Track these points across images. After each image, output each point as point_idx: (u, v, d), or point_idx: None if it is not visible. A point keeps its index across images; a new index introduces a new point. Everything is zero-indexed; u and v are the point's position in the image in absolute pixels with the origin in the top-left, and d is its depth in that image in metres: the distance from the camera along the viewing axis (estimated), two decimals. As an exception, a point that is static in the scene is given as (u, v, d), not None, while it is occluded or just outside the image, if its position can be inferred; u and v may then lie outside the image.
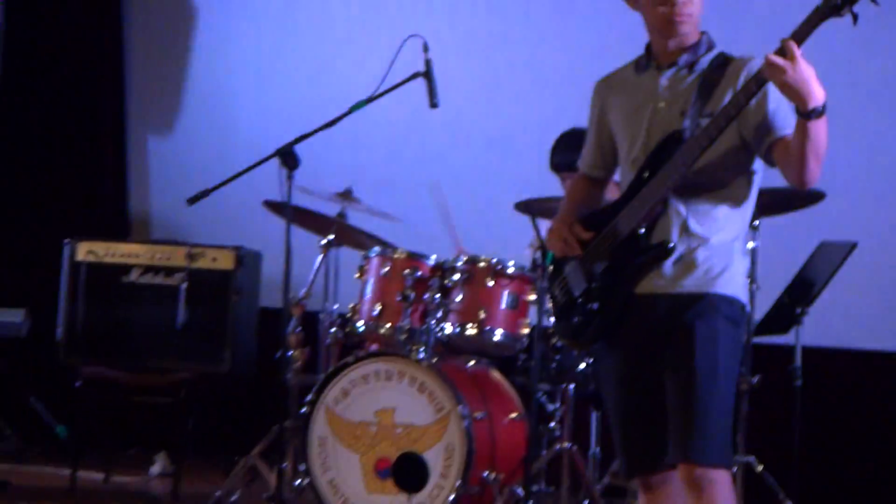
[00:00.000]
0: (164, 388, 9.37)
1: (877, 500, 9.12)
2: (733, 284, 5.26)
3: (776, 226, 8.01)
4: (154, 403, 9.62)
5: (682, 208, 5.21)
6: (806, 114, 4.84)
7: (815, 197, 7.87)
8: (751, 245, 7.94)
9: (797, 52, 4.81)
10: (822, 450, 8.68)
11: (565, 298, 5.55)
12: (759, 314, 8.09)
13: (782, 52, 4.82)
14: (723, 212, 5.27)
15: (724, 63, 5.30)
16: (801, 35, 4.93)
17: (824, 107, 4.88)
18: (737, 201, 5.27)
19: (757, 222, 7.92)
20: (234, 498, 8.44)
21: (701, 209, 5.24)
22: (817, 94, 4.85)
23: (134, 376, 9.39)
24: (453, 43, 8.63)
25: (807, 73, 4.83)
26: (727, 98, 5.16)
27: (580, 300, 5.44)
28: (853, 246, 8.11)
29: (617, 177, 5.67)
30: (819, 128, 4.91)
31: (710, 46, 5.40)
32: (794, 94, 4.83)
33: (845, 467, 9.05)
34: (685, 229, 5.22)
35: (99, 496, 9.10)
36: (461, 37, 9.10)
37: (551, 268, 5.70)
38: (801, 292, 8.20)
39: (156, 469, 9.80)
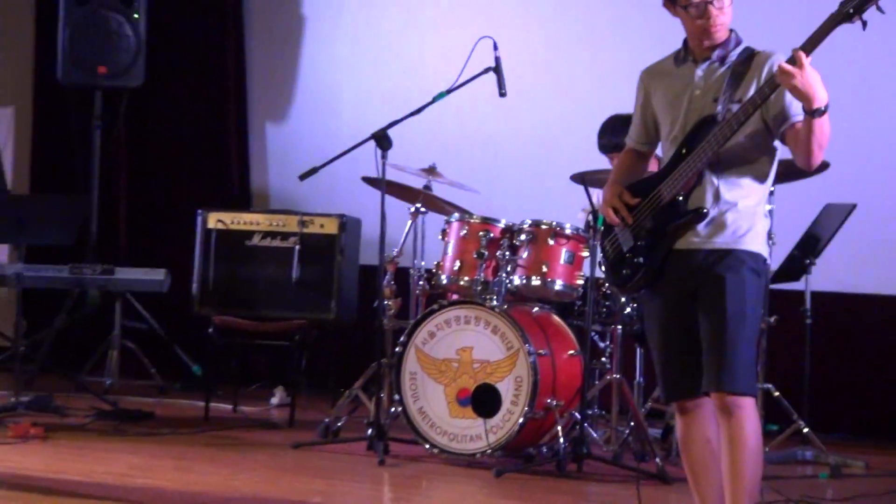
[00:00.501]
0: (281, 333, 9.42)
1: (875, 418, 9.07)
2: (757, 242, 5.30)
3: (789, 190, 7.92)
4: (273, 346, 9.65)
5: (714, 179, 5.24)
6: (811, 112, 4.94)
7: (822, 166, 7.96)
8: (769, 208, 8.08)
9: (806, 61, 4.88)
10: (828, 378, 8.60)
11: (616, 253, 5.56)
12: (774, 265, 7.96)
13: (793, 60, 4.89)
14: (748, 182, 5.29)
15: (750, 56, 5.32)
16: (814, 42, 4.99)
17: (827, 106, 4.95)
18: (760, 173, 5.30)
19: (773, 188, 8.04)
20: (339, 423, 8.52)
21: (730, 179, 5.26)
22: (821, 97, 4.92)
23: (256, 324, 9.45)
24: (517, 41, 8.56)
25: (813, 79, 4.91)
26: (753, 87, 5.19)
27: (629, 255, 5.46)
28: (853, 207, 8.17)
29: (659, 151, 5.69)
30: (822, 123, 4.99)
31: (738, 42, 5.40)
32: (802, 96, 4.91)
33: (849, 392, 8.98)
34: (717, 196, 5.24)
35: (228, 424, 9.12)
36: (523, 36, 8.93)
37: (602, 227, 5.74)
38: (809, 246, 8.23)
39: (275, 400, 9.92)
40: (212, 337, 9.50)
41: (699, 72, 5.38)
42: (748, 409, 5.24)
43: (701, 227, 5.28)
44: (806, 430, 8.12)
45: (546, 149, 9.21)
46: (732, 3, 5.31)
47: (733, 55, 5.36)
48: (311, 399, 9.67)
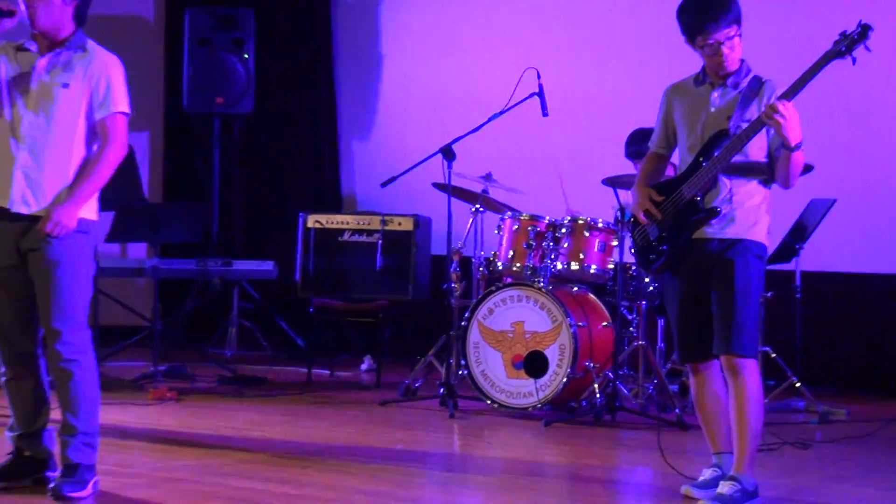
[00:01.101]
0: (368, 311, 9.51)
1: (855, 374, 9.10)
2: (760, 233, 5.39)
3: (778, 193, 7.93)
4: (361, 322, 9.74)
5: (728, 182, 5.31)
6: (790, 148, 5.09)
7: (806, 169, 8.04)
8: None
9: (788, 107, 5.03)
10: (815, 341, 8.64)
11: (644, 242, 5.63)
12: (770, 250, 8.07)
13: (775, 108, 5.03)
14: (754, 185, 5.37)
15: (757, 84, 5.35)
16: (804, 80, 5.13)
17: (800, 143, 5.09)
18: (763, 178, 5.38)
19: (770, 187, 8.05)
20: (417, 384, 8.57)
21: (740, 182, 5.33)
22: (798, 136, 5.08)
23: (347, 304, 9.54)
24: (556, 70, 8.46)
25: (793, 123, 5.05)
26: (759, 108, 5.23)
27: (655, 243, 5.53)
28: (833, 202, 8.18)
29: (674, 158, 5.72)
30: (798, 156, 5.18)
31: (748, 71, 5.42)
32: (784, 137, 5.05)
33: (833, 353, 9.03)
34: (730, 196, 5.32)
35: (326, 386, 9.24)
36: (561, 66, 8.81)
37: (632, 220, 5.71)
38: (798, 234, 8.24)
39: (364, 366, 9.98)
40: (312, 315, 9.59)
41: (714, 94, 5.42)
42: (751, 369, 5.35)
43: (715, 220, 5.34)
44: (798, 384, 8.13)
45: (581, 157, 9.13)
46: (742, 36, 5.34)
47: (743, 83, 5.39)
48: (394, 365, 9.61)
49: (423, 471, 6.47)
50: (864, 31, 5.11)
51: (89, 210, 5.45)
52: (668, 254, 5.53)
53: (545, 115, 8.18)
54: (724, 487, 5.30)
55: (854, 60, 5.12)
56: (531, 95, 8.17)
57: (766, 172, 5.38)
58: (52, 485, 5.41)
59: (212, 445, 6.82)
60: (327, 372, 9.76)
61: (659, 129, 5.71)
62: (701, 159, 5.38)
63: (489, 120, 8.18)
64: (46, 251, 5.33)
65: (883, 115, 9.18)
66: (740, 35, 5.35)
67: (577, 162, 9.23)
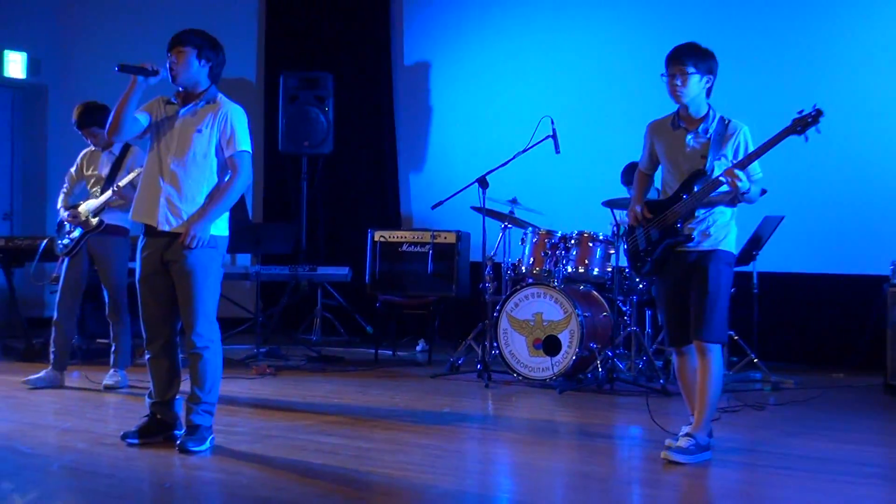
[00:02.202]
0: (422, 305, 9.50)
1: (799, 351, 9.05)
2: (729, 243, 5.39)
3: (743, 208, 7.89)
4: (416, 313, 9.71)
5: (704, 210, 5.30)
6: (740, 196, 5.19)
7: (760, 193, 8.00)
8: None
9: (741, 174, 5.07)
10: (769, 327, 8.53)
11: (634, 249, 5.60)
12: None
13: (733, 174, 5.07)
14: (724, 207, 5.34)
15: (724, 125, 5.31)
16: (759, 154, 5.17)
17: (747, 190, 5.14)
18: (730, 200, 5.32)
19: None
20: (460, 361, 8.54)
21: (714, 207, 5.31)
22: (747, 187, 5.13)
23: (405, 300, 9.53)
24: (566, 115, 8.48)
25: (743, 181, 5.09)
26: (729, 146, 5.26)
27: (642, 252, 5.53)
28: (782, 218, 8.17)
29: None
30: (748, 197, 5.23)
31: (714, 116, 5.33)
32: (736, 190, 5.13)
33: (782, 335, 8.96)
34: (706, 217, 5.31)
35: (389, 363, 9.20)
36: (570, 112, 8.85)
37: (628, 228, 5.69)
38: (755, 243, 8.19)
39: (419, 348, 9.92)
40: (378, 309, 9.59)
41: (689, 136, 5.36)
42: (716, 353, 5.34)
43: (694, 235, 5.33)
44: (755, 360, 8.12)
45: (585, 184, 9.03)
46: (706, 81, 5.29)
47: (712, 127, 5.32)
48: (442, 347, 9.55)
49: (465, 428, 6.45)
50: (817, 115, 5.10)
51: (219, 227, 5.49)
52: (652, 263, 5.51)
53: (557, 153, 8.15)
54: (682, 441, 5.33)
55: (807, 139, 5.12)
56: (546, 137, 8.13)
57: (731, 198, 5.33)
58: (178, 441, 5.45)
59: (301, 410, 6.84)
60: (390, 352, 9.71)
61: (645, 156, 5.63)
62: (682, 194, 5.36)
63: (514, 157, 8.14)
64: (185, 262, 5.37)
65: (825, 146, 9.09)
66: (697, 76, 5.26)
67: (582, 188, 9.19)
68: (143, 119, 5.43)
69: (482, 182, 8.22)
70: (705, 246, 5.36)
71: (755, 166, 5.29)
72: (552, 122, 8.13)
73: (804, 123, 5.12)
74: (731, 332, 8.03)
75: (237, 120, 5.50)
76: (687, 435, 5.35)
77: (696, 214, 5.34)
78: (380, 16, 11.43)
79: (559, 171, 8.82)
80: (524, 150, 8.14)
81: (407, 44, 11.39)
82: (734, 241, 5.46)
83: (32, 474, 5.09)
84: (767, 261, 8.41)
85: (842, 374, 8.48)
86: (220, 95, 5.54)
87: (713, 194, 5.30)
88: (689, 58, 5.29)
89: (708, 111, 5.38)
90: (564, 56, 10.33)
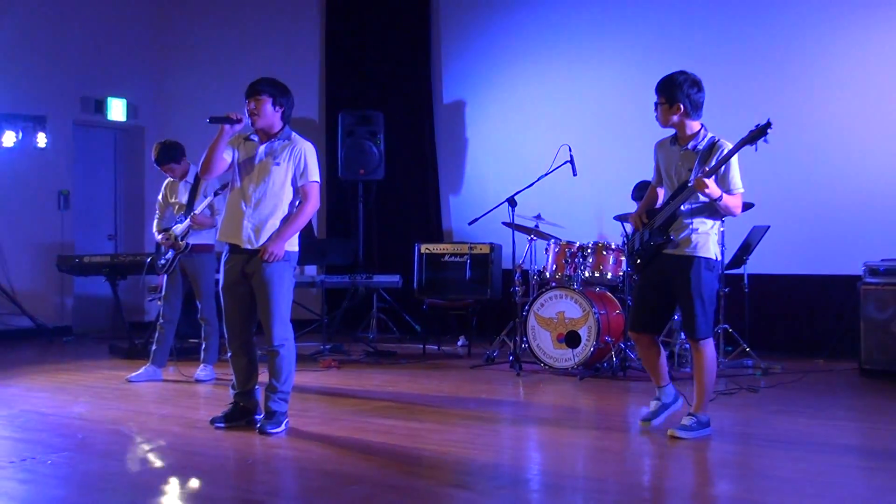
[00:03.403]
0: (461, 307, 9.50)
1: (785, 341, 8.96)
2: (710, 250, 5.28)
3: (733, 219, 7.89)
4: (457, 313, 9.73)
5: (687, 216, 5.25)
6: (715, 201, 5.12)
7: (748, 206, 7.92)
8: (721, 228, 8.02)
9: (709, 181, 5.04)
10: (759, 320, 8.47)
11: (631, 248, 5.58)
12: (727, 260, 7.95)
13: (702, 182, 5.04)
14: (705, 217, 5.27)
15: (712, 144, 5.23)
16: (721, 163, 5.11)
17: (720, 197, 5.08)
18: (712, 212, 5.26)
19: (724, 219, 8.00)
20: (495, 354, 8.54)
21: (695, 216, 5.25)
22: (717, 194, 5.08)
23: (448, 302, 9.54)
24: (582, 142, 8.45)
25: (712, 189, 5.05)
26: (713, 161, 5.14)
27: (637, 251, 5.51)
28: (767, 227, 8.13)
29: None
30: (724, 202, 5.14)
31: (706, 134, 5.27)
32: (708, 197, 5.09)
33: (770, 328, 8.87)
34: (688, 225, 5.25)
35: (435, 357, 9.15)
36: (586, 139, 8.84)
37: (631, 233, 5.65)
38: (745, 249, 8.17)
39: (460, 343, 9.76)
40: (425, 310, 9.64)
41: (681, 152, 5.32)
42: (708, 346, 5.32)
43: (678, 241, 5.27)
44: (748, 349, 8.07)
45: (599, 201, 9.04)
46: (678, 107, 5.22)
47: (701, 144, 5.26)
48: (479, 342, 9.50)
49: (500, 410, 6.46)
50: (765, 127, 5.03)
51: (292, 244, 5.56)
52: (642, 260, 5.48)
53: (574, 175, 8.17)
54: (685, 420, 5.33)
55: (756, 148, 5.05)
56: (565, 163, 8.15)
57: (714, 208, 5.27)
58: (258, 425, 5.51)
59: (361, 397, 6.87)
60: (436, 347, 9.68)
61: (655, 170, 5.56)
62: (671, 201, 5.33)
63: (538, 179, 8.15)
64: (263, 273, 5.44)
65: (807, 164, 9.10)
66: (667, 105, 5.24)
67: (597, 205, 9.19)
68: (227, 156, 5.51)
69: (511, 201, 8.33)
70: (687, 251, 5.26)
71: (736, 180, 5.22)
72: (570, 149, 8.14)
73: (754, 137, 5.06)
74: (727, 326, 8.07)
75: (309, 155, 5.56)
76: (690, 415, 5.35)
77: (685, 223, 5.26)
78: (422, 62, 11.46)
79: (577, 191, 8.80)
80: (546, 174, 8.16)
81: (445, 85, 11.40)
82: (714, 248, 5.33)
83: (136, 453, 5.16)
84: (757, 264, 8.34)
85: (822, 360, 8.40)
86: (293, 133, 5.60)
87: (696, 204, 5.25)
88: (658, 90, 5.31)
89: (699, 130, 5.30)
90: (579, 93, 10.31)
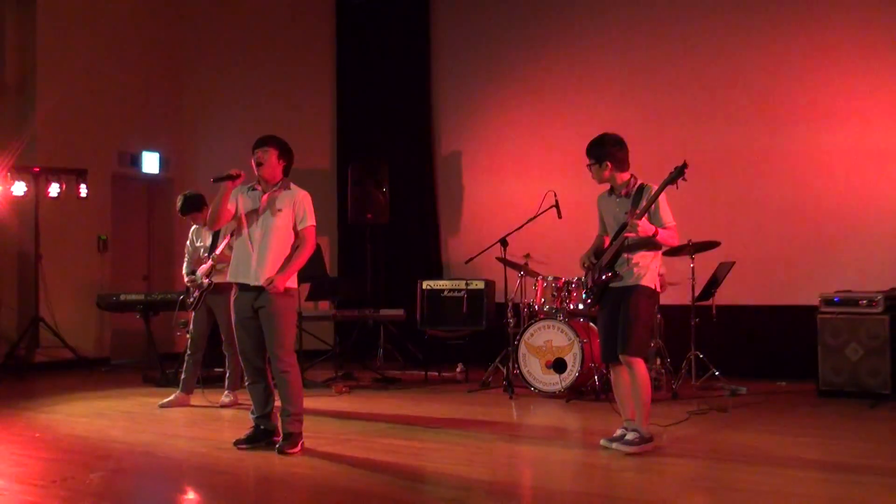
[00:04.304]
0: (459, 336, 9.41)
1: (749, 366, 8.83)
2: (649, 280, 5.34)
3: (702, 256, 7.91)
4: (456, 343, 9.50)
5: (627, 253, 5.32)
6: (652, 237, 5.18)
7: (715, 244, 7.95)
8: (661, 266, 8.04)
9: (641, 222, 5.11)
10: (726, 348, 8.41)
11: (585, 286, 5.63)
12: (697, 291, 7.96)
13: (634, 224, 5.12)
14: (643, 252, 5.33)
15: (640, 189, 5.33)
16: (648, 204, 5.17)
17: (655, 234, 5.15)
18: (652, 247, 5.34)
19: (694, 256, 8.03)
20: (490, 380, 8.53)
21: (634, 252, 5.32)
22: (650, 231, 5.15)
23: (447, 332, 9.44)
24: (565, 188, 8.43)
25: (644, 228, 5.12)
26: (644, 203, 5.23)
27: (587, 289, 5.58)
28: (733, 263, 8.12)
29: None
30: (660, 237, 5.21)
31: (635, 182, 5.37)
32: (644, 234, 5.16)
33: (737, 354, 8.74)
34: (630, 260, 5.33)
35: (435, 382, 9.11)
36: (567, 187, 8.86)
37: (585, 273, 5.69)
38: (713, 283, 8.15)
39: (458, 370, 9.55)
40: (426, 340, 9.59)
41: (616, 199, 5.43)
42: (639, 363, 5.31)
43: (622, 274, 5.33)
44: (717, 373, 8.05)
45: (583, 240, 9.10)
46: (605, 165, 5.34)
47: (632, 190, 5.36)
48: (475, 368, 9.39)
49: (495, 430, 6.41)
50: (682, 169, 5.07)
51: (293, 282, 5.58)
52: (593, 296, 5.53)
53: (559, 217, 8.18)
54: (629, 435, 5.37)
55: (677, 186, 5.10)
56: (551, 207, 8.16)
57: (653, 244, 5.34)
58: (277, 446, 5.48)
59: (369, 419, 6.84)
60: (436, 374, 9.58)
61: (599, 220, 5.66)
62: (613, 241, 5.41)
63: (527, 222, 8.18)
64: (269, 308, 5.46)
65: (769, 206, 9.13)
66: (597, 165, 5.37)
67: (580, 243, 9.06)
68: (232, 207, 5.58)
69: (503, 241, 8.34)
70: (630, 282, 5.32)
71: (667, 215, 5.30)
72: (555, 195, 8.16)
73: (673, 178, 5.13)
74: (698, 353, 8.00)
75: (307, 202, 5.66)
76: (633, 430, 5.36)
77: (628, 258, 5.32)
78: (423, 118, 11.48)
79: (562, 232, 8.80)
80: (534, 217, 8.17)
81: (443, 138, 11.42)
82: (654, 279, 5.38)
83: (167, 473, 5.13)
84: (724, 296, 8.32)
85: (784, 383, 8.38)
86: (291, 183, 5.69)
87: (633, 241, 5.30)
88: (587, 153, 5.45)
89: (629, 179, 5.40)
90: (563, 143, 10.25)
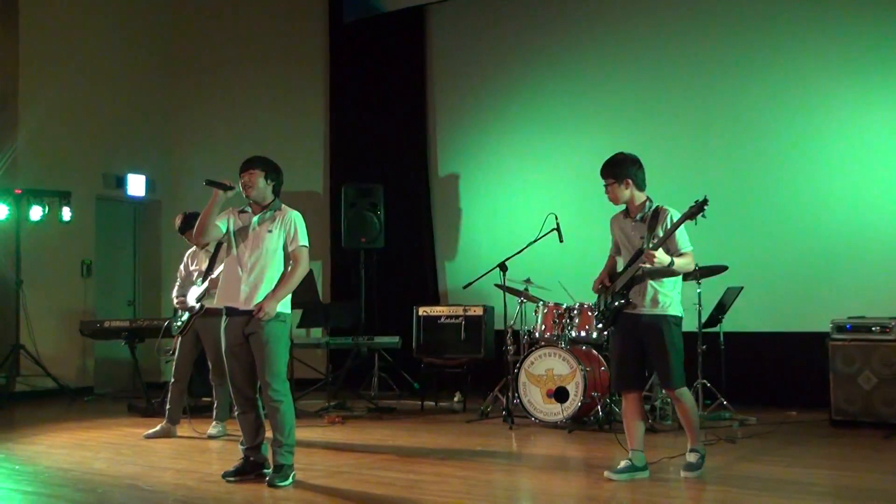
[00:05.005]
0: (457, 364, 9.35)
1: (758, 395, 8.80)
2: (675, 308, 5.40)
3: (709, 281, 7.86)
4: (453, 371, 9.46)
5: (650, 280, 5.36)
6: (668, 266, 5.21)
7: (723, 268, 7.98)
8: (698, 290, 8.04)
9: (656, 253, 5.16)
10: (734, 376, 8.25)
11: (598, 309, 5.67)
12: (703, 317, 7.94)
13: (650, 255, 5.16)
14: (667, 280, 5.39)
15: (656, 212, 5.40)
16: (666, 236, 5.24)
17: (671, 263, 5.19)
18: (674, 275, 5.40)
19: (701, 281, 8.04)
20: (489, 409, 8.49)
21: (657, 280, 5.36)
22: (666, 261, 5.20)
23: (444, 360, 9.40)
24: (567, 211, 8.54)
25: (659, 259, 5.17)
26: (660, 230, 5.32)
27: (600, 312, 5.61)
28: (741, 288, 8.12)
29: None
30: (674, 266, 5.24)
31: (651, 205, 5.43)
32: (659, 265, 5.20)
33: (745, 382, 8.57)
34: (654, 287, 5.36)
35: (432, 412, 9.10)
36: (569, 209, 8.95)
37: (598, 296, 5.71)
38: (720, 309, 8.15)
39: (456, 399, 9.64)
40: (422, 368, 9.57)
41: (632, 223, 5.48)
42: (685, 393, 5.41)
43: (645, 302, 5.36)
44: (725, 402, 8.02)
45: (584, 265, 8.99)
46: (626, 184, 5.41)
47: (648, 214, 5.41)
48: (474, 397, 9.30)
49: (495, 461, 6.42)
50: (703, 205, 5.15)
51: (285, 306, 5.59)
52: (605, 321, 5.57)
53: (561, 241, 8.19)
54: (690, 457, 5.46)
55: (696, 223, 5.18)
56: (552, 230, 8.18)
57: (669, 272, 5.38)
58: (267, 478, 5.47)
59: (363, 451, 6.82)
60: (433, 403, 9.54)
61: (612, 242, 5.70)
62: (628, 267, 5.45)
63: (527, 246, 8.20)
64: (261, 334, 5.46)
65: (777, 227, 9.17)
66: (617, 184, 5.41)
67: (582, 268, 8.97)
68: (222, 226, 5.65)
69: (502, 267, 8.34)
70: (657, 311, 5.35)
71: (682, 242, 5.35)
72: (556, 218, 8.17)
73: (692, 213, 5.20)
74: (704, 381, 7.98)
75: (298, 222, 5.66)
76: (693, 451, 5.47)
77: (652, 285, 5.35)
78: (419, 139, 11.51)
79: (563, 256, 8.81)
80: (534, 241, 8.19)
81: (440, 160, 11.43)
82: (679, 305, 5.45)
83: (153, 506, 5.11)
84: (732, 323, 8.32)
85: (794, 412, 8.35)
86: (282, 205, 5.70)
87: (654, 269, 5.32)
88: (606, 173, 5.49)
89: (644, 201, 5.46)
90: (564, 166, 10.35)
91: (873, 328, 7.58)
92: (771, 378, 9.00)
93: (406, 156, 11.57)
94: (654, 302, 5.37)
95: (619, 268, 5.63)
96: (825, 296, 8.78)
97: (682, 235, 5.35)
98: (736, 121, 9.49)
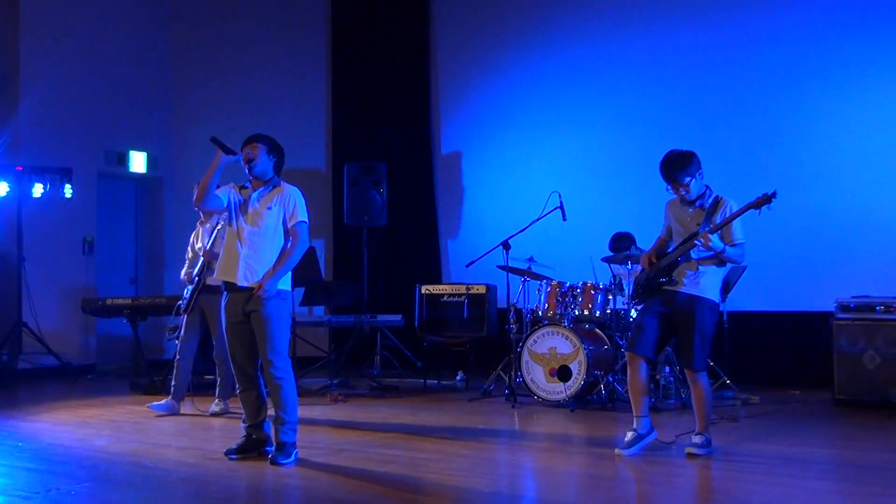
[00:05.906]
0: (460, 343, 9.41)
1: (761, 373, 8.84)
2: (713, 294, 5.52)
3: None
4: (456, 350, 9.49)
5: (698, 262, 5.45)
6: (718, 255, 5.31)
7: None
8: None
9: (713, 237, 5.24)
10: (737, 355, 8.40)
11: (638, 283, 5.78)
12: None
13: (706, 237, 5.24)
14: (713, 265, 5.49)
15: (716, 202, 5.50)
16: (727, 222, 5.33)
17: (723, 250, 5.28)
18: (719, 261, 5.47)
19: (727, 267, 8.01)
20: (491, 388, 8.50)
21: (705, 263, 5.46)
22: (718, 248, 5.30)
23: (447, 339, 9.47)
24: (571, 189, 8.55)
25: (714, 244, 5.26)
26: (718, 218, 5.41)
27: (642, 284, 5.70)
28: (745, 268, 8.00)
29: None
30: (726, 255, 5.35)
31: (710, 193, 5.55)
32: (712, 250, 5.29)
33: (748, 361, 8.70)
34: (698, 269, 5.46)
35: (435, 391, 9.10)
36: (573, 187, 8.95)
37: (641, 269, 5.84)
38: (724, 288, 7.83)
39: (458, 377, 9.62)
40: (425, 347, 9.59)
41: (690, 210, 5.56)
42: (703, 378, 5.49)
43: (686, 280, 5.48)
44: (728, 381, 8.05)
45: (588, 244, 8.84)
46: (698, 176, 5.48)
47: (707, 202, 5.52)
48: (476, 376, 9.36)
49: (497, 440, 6.44)
50: (770, 197, 5.25)
51: (285, 284, 5.60)
52: (646, 293, 5.67)
53: (564, 220, 8.19)
54: (696, 439, 5.55)
55: (759, 213, 5.26)
56: (555, 208, 8.18)
57: (720, 259, 5.48)
58: (269, 456, 5.48)
59: (366, 429, 6.83)
60: (436, 382, 9.58)
61: (664, 224, 5.82)
62: (678, 248, 5.56)
63: (530, 224, 8.20)
64: (261, 311, 5.46)
65: (783, 209, 9.09)
66: (693, 181, 5.47)
67: (585, 247, 9.04)
68: (223, 198, 5.61)
69: (505, 245, 8.32)
70: (695, 292, 5.47)
71: (738, 232, 5.45)
72: (559, 196, 8.17)
73: (759, 204, 5.28)
74: (709, 360, 7.96)
75: (297, 198, 5.67)
76: (699, 434, 5.55)
77: (698, 267, 5.46)
78: (422, 116, 11.50)
79: (567, 234, 8.80)
80: (538, 219, 8.19)
81: (444, 138, 11.42)
82: (718, 292, 5.58)
83: (155, 483, 5.13)
84: (736, 302, 8.34)
85: (798, 391, 8.38)
86: (282, 181, 5.70)
87: (703, 255, 5.43)
88: (680, 174, 5.50)
89: (704, 191, 5.58)
90: (568, 144, 10.35)
91: (878, 307, 7.59)
92: (774, 357, 9.02)
93: (409, 133, 11.55)
94: (695, 282, 5.50)
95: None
96: (830, 275, 8.78)
97: (737, 226, 5.48)
98: (741, 98, 9.47)
